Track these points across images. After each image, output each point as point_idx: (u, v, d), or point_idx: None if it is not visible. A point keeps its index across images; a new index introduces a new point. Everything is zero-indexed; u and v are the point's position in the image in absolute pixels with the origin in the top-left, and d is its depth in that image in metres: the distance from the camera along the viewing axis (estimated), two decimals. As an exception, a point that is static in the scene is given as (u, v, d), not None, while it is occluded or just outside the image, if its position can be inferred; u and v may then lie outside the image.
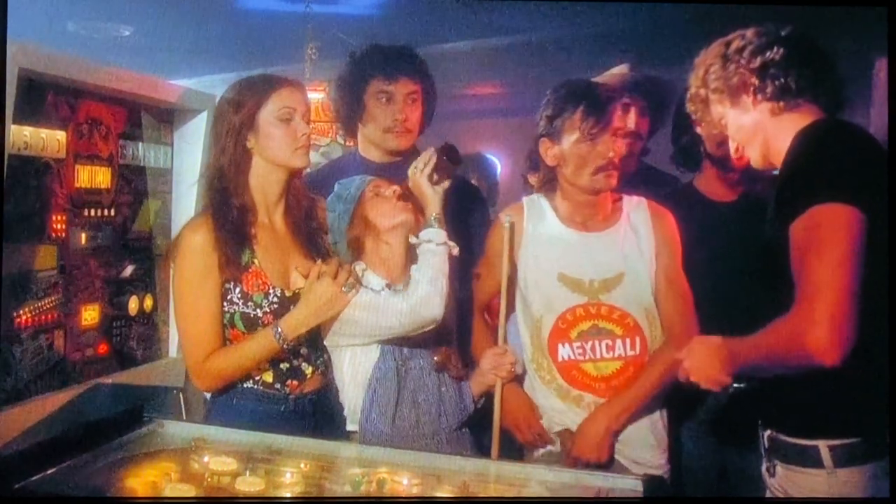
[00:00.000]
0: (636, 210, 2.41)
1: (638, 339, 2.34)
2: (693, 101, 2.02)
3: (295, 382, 2.25)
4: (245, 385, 2.24)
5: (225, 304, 2.19)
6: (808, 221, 1.72)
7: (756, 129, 1.95)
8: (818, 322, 1.64)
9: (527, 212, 2.43)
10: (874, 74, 3.81)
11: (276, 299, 2.20)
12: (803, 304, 1.68)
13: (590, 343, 2.34)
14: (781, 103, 1.90)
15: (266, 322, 2.19)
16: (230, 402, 2.24)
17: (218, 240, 2.16)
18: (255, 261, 2.21)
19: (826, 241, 1.68)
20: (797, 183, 1.80)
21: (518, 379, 2.44)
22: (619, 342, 2.34)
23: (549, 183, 2.41)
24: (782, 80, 1.89)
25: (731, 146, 2.04)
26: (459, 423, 2.29)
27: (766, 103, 1.91)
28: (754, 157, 2.00)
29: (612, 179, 2.33)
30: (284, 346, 2.18)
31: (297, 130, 2.22)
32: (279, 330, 2.16)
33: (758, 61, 1.90)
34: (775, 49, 1.89)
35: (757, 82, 1.90)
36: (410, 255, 2.27)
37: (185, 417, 2.52)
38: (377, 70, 2.63)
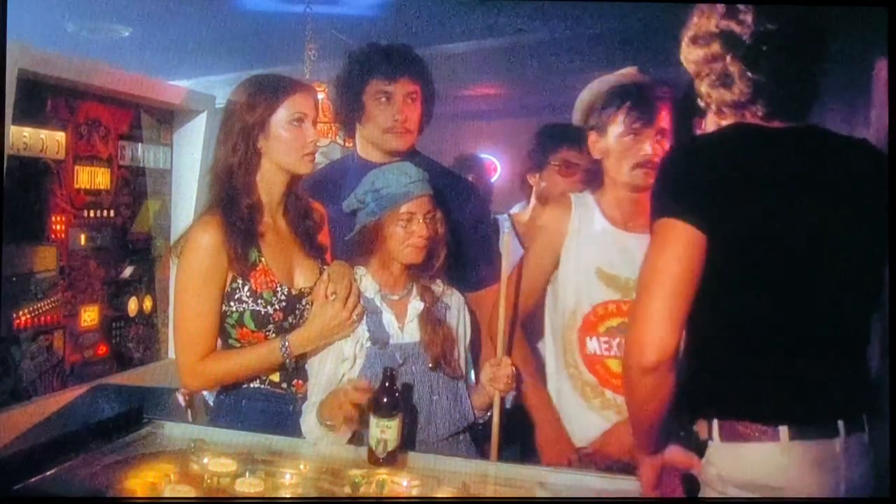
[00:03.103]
0: None
1: None
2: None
3: (301, 381, 2.25)
4: (252, 385, 2.24)
5: (233, 303, 2.19)
6: (651, 232, 1.80)
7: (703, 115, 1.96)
8: (632, 320, 1.75)
9: (574, 207, 2.43)
10: (874, 74, 3.80)
11: (283, 297, 2.21)
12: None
13: (616, 339, 2.34)
14: (713, 109, 1.88)
15: (276, 319, 2.20)
16: (238, 404, 2.24)
17: (228, 238, 2.16)
18: (262, 259, 2.21)
19: (650, 251, 1.77)
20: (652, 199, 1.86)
21: (519, 394, 2.45)
22: None
23: (594, 178, 2.43)
24: (706, 101, 1.86)
25: None
26: (454, 432, 2.26)
27: (702, 102, 1.90)
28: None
29: (650, 178, 2.31)
30: (287, 360, 2.19)
31: (306, 136, 2.23)
32: (286, 344, 2.17)
33: (694, 69, 1.86)
34: (708, 69, 1.83)
35: (697, 83, 1.87)
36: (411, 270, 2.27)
37: (191, 420, 2.50)
38: (376, 70, 2.61)
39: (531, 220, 2.94)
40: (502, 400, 2.28)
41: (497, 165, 6.85)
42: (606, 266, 2.35)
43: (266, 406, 2.23)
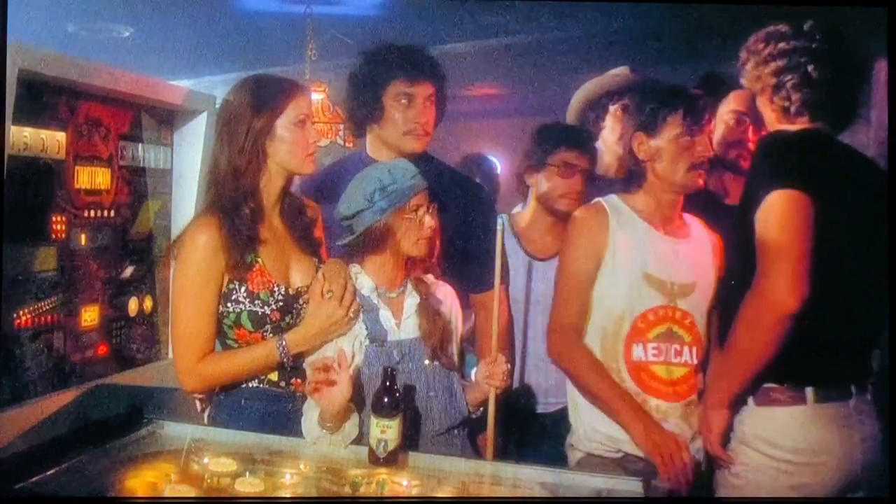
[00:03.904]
0: (701, 228, 2.47)
1: (700, 349, 2.38)
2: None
3: (299, 380, 2.25)
4: (251, 385, 2.24)
5: (230, 304, 2.19)
6: (766, 206, 2.08)
7: (766, 119, 2.28)
8: (774, 277, 2.02)
9: (609, 211, 2.42)
10: (874, 74, 3.80)
11: (280, 296, 2.21)
12: (761, 274, 2.06)
13: (665, 346, 2.35)
14: (783, 117, 2.23)
15: (274, 319, 2.20)
16: (238, 404, 2.25)
17: (225, 241, 2.17)
18: (259, 260, 2.22)
19: (776, 219, 2.07)
20: (751, 181, 2.21)
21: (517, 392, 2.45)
22: (686, 349, 2.36)
23: (631, 181, 2.42)
24: (786, 102, 2.21)
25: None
26: (449, 427, 2.27)
27: (773, 110, 2.25)
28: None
29: (701, 179, 2.38)
30: (285, 360, 2.19)
31: (309, 137, 2.24)
32: (283, 343, 2.17)
33: (774, 80, 2.20)
34: (790, 76, 2.20)
35: (771, 95, 2.23)
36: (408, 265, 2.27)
37: (206, 421, 2.49)
38: (398, 71, 2.58)
39: (532, 223, 2.93)
40: (497, 397, 2.27)
41: (498, 165, 6.85)
42: (654, 271, 2.36)
43: (265, 405, 2.23)
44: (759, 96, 2.26)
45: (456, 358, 2.33)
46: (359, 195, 2.23)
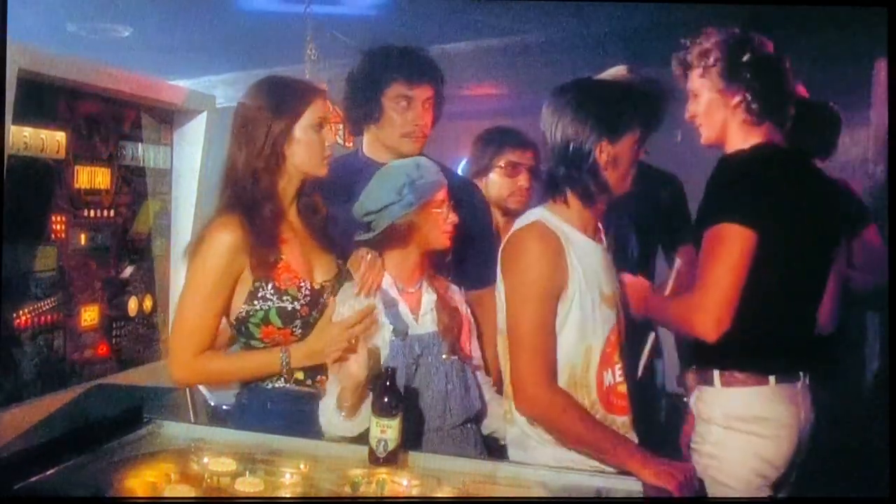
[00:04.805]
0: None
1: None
2: (679, 61, 2.34)
3: (323, 378, 2.26)
4: (275, 385, 2.25)
5: (256, 302, 2.20)
6: (712, 233, 2.17)
7: (723, 122, 2.29)
8: (704, 308, 2.15)
9: (554, 227, 2.14)
10: (874, 74, 3.81)
11: (307, 292, 2.23)
12: (696, 293, 2.18)
13: (623, 362, 2.22)
14: (753, 119, 2.27)
15: (303, 314, 2.22)
16: (263, 407, 2.25)
17: (249, 240, 2.17)
18: (283, 257, 2.23)
19: (720, 251, 2.15)
20: (711, 202, 2.26)
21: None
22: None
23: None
24: (760, 108, 2.25)
25: (690, 111, 2.35)
26: (464, 420, 2.29)
27: (743, 114, 2.26)
28: (707, 135, 2.34)
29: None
30: (284, 371, 2.21)
31: (325, 141, 2.26)
32: (287, 355, 2.20)
33: (756, 85, 2.24)
34: (769, 80, 2.25)
35: (747, 101, 2.25)
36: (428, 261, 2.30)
37: (193, 420, 2.49)
38: (398, 73, 2.57)
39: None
40: None
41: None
42: (605, 287, 2.18)
43: (292, 407, 2.24)
44: (723, 98, 2.27)
45: (472, 352, 2.36)
46: (386, 190, 2.24)
